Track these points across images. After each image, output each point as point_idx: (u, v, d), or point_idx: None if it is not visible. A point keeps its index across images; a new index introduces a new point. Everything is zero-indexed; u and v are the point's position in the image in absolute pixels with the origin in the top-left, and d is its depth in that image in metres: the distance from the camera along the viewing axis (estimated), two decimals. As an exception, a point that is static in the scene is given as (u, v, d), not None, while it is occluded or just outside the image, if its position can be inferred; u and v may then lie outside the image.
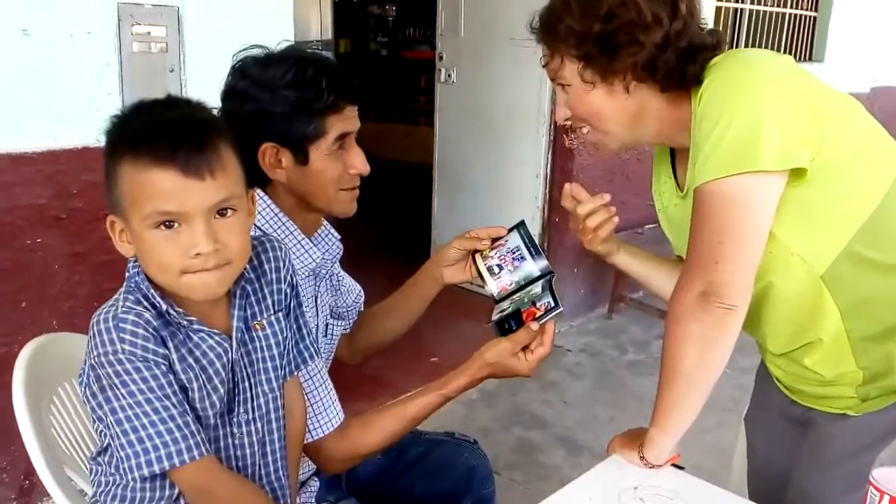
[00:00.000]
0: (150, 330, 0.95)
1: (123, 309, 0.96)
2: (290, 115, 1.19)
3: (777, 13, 5.32)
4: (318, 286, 1.34)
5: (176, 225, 0.92)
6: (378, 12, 8.28)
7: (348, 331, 1.51)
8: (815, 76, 1.15)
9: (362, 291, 1.51)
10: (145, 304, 0.97)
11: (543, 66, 1.26)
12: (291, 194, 1.26)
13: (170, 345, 0.97)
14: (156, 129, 0.93)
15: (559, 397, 3.16)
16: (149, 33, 2.10)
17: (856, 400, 1.21)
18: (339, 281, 1.45)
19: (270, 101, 1.18)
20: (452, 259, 1.43)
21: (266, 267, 1.08)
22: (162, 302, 0.98)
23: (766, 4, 5.18)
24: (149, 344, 0.95)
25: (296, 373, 1.15)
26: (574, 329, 3.87)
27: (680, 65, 1.15)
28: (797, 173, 1.07)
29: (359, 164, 1.26)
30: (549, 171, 3.78)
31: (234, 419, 1.06)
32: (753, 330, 1.26)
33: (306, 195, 1.25)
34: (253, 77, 1.20)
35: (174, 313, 0.98)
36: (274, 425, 1.10)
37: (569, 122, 1.27)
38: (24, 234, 1.99)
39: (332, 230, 1.36)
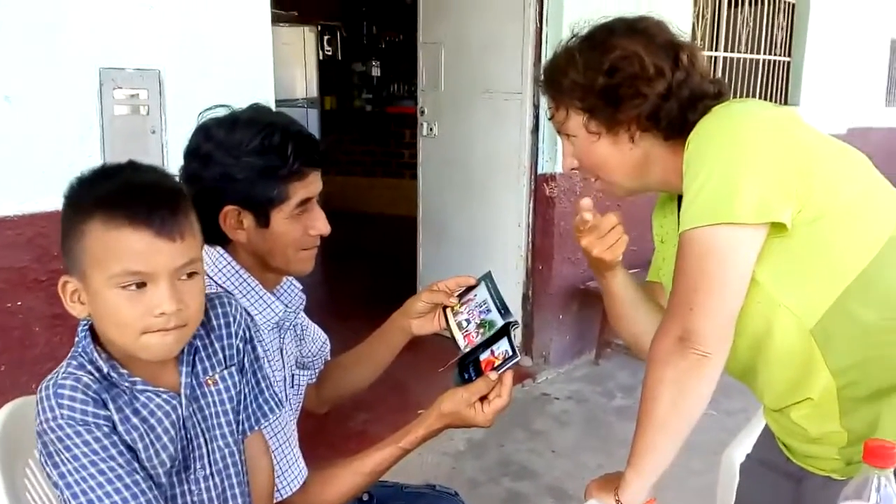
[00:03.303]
0: (90, 393, 0.96)
1: (63, 375, 0.97)
2: (253, 180, 1.19)
3: (751, 59, 5.45)
4: (283, 338, 1.35)
5: (142, 284, 0.94)
6: (362, 70, 8.45)
7: (314, 380, 1.51)
8: (813, 129, 1.15)
9: (328, 341, 1.51)
10: (88, 367, 0.98)
11: (549, 119, 1.29)
12: (251, 254, 1.27)
13: (111, 406, 0.98)
14: (131, 191, 0.95)
15: (547, 446, 3.14)
16: (130, 96, 2.15)
17: (840, 463, 1.20)
18: (303, 330, 1.45)
19: (234, 166, 1.19)
20: (421, 311, 1.44)
21: (215, 323, 1.09)
22: (104, 364, 0.98)
23: (739, 52, 5.31)
24: (88, 407, 0.95)
25: (256, 427, 1.15)
26: (561, 376, 3.86)
27: (682, 114, 1.17)
28: (779, 226, 1.07)
29: (320, 226, 1.27)
30: (530, 219, 3.82)
31: (192, 475, 1.06)
32: (750, 383, 1.26)
33: (266, 255, 1.26)
34: (217, 140, 1.20)
35: (115, 376, 0.99)
36: (234, 480, 1.10)
37: (575, 172, 1.30)
38: (4, 297, 2.00)
39: (295, 281, 1.37)
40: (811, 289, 1.11)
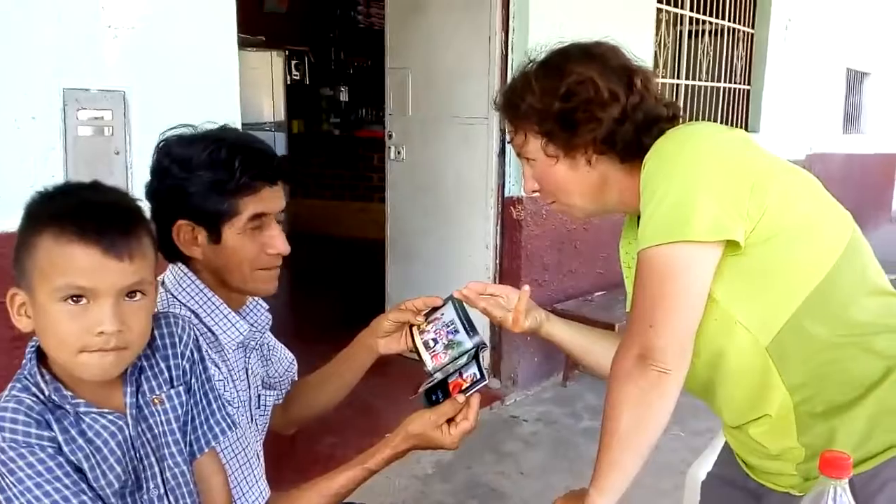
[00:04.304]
0: (33, 415, 0.95)
1: (6, 398, 0.96)
2: (204, 194, 1.20)
3: (712, 87, 5.57)
4: (249, 358, 1.34)
5: (84, 301, 0.93)
6: (330, 94, 8.47)
7: (281, 401, 1.50)
8: (764, 150, 1.18)
9: (294, 361, 1.50)
10: (33, 389, 0.97)
11: (509, 142, 1.31)
12: (210, 272, 1.26)
13: (55, 427, 0.97)
14: (86, 209, 0.95)
15: (516, 468, 3.13)
16: (95, 118, 2.13)
17: (798, 479, 1.21)
18: (269, 350, 1.45)
19: (187, 180, 1.20)
20: (387, 330, 1.44)
21: (160, 342, 1.09)
22: (47, 387, 0.97)
23: (700, 80, 5.43)
24: (31, 429, 0.94)
25: (206, 448, 1.13)
26: (529, 398, 3.86)
27: (637, 137, 1.20)
28: (733, 244, 1.09)
29: (277, 244, 1.26)
30: (498, 241, 3.85)
31: (146, 495, 1.05)
32: (709, 401, 1.28)
33: (223, 274, 1.25)
34: (174, 156, 1.22)
35: (56, 398, 0.98)
36: (189, 500, 1.09)
37: (537, 194, 1.32)
38: (-38, 320, 1.96)
39: (261, 301, 1.37)
40: (766, 306, 1.13)
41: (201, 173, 1.20)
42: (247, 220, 1.22)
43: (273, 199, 1.24)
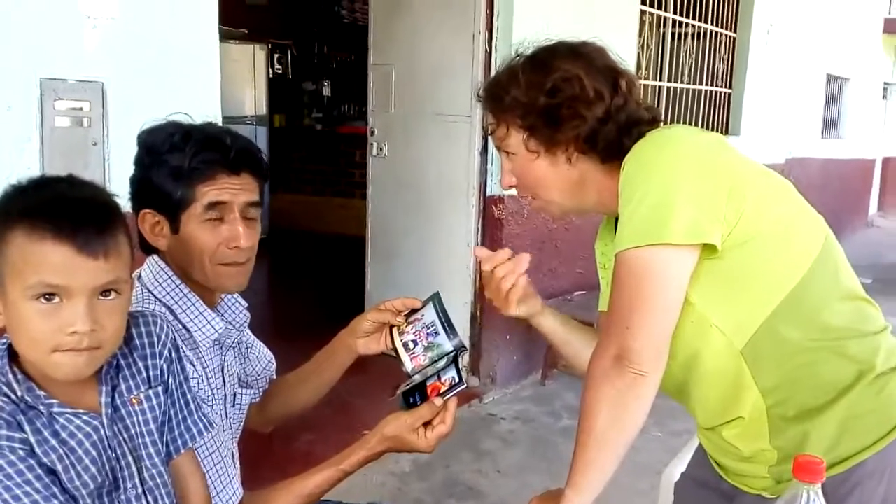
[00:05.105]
0: (3, 416, 0.93)
1: None
2: (164, 181, 1.19)
3: (694, 90, 5.61)
4: (225, 356, 1.32)
5: (57, 299, 0.91)
6: (313, 89, 8.44)
7: (258, 399, 1.48)
8: (739, 154, 1.19)
9: (273, 359, 1.49)
10: (4, 389, 0.95)
11: (490, 134, 1.30)
12: (176, 265, 1.24)
13: (27, 428, 0.95)
14: (60, 205, 0.93)
15: (493, 466, 3.14)
16: (72, 108, 2.10)
17: (770, 481, 1.22)
18: (247, 348, 1.43)
19: (151, 168, 1.20)
20: (367, 330, 1.43)
21: (137, 342, 1.07)
22: (19, 387, 0.96)
23: (682, 82, 5.47)
24: (1, 431, 0.93)
25: (183, 449, 1.12)
26: (508, 396, 3.87)
27: (619, 137, 1.20)
28: (710, 247, 1.10)
29: (236, 237, 1.20)
30: (479, 239, 3.84)
31: (123, 495, 1.04)
32: (684, 402, 1.28)
33: (186, 267, 1.23)
34: (144, 143, 1.23)
35: (29, 399, 0.96)
36: (167, 500, 1.08)
37: (514, 190, 1.31)
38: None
39: (239, 298, 1.35)
40: (741, 310, 1.14)
41: (162, 159, 1.19)
42: (203, 209, 1.19)
43: (234, 189, 1.20)
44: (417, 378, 1.32)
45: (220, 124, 1.34)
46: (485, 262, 1.34)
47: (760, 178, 1.17)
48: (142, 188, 1.22)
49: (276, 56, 8.08)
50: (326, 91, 8.42)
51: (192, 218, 1.19)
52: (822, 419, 1.15)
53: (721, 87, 5.97)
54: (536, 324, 1.42)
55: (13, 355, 0.98)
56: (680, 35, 5.36)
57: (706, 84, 5.74)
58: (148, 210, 1.21)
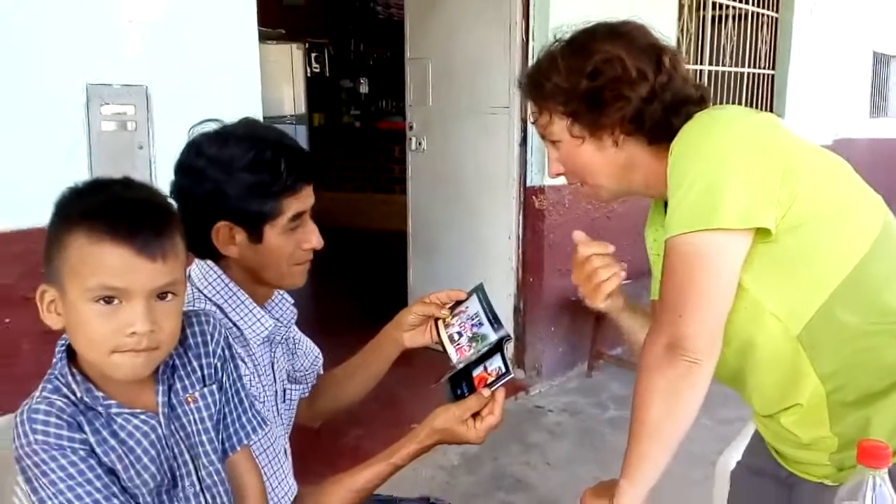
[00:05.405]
0: (64, 417, 0.95)
1: (37, 400, 0.96)
2: (246, 196, 1.18)
3: (736, 73, 5.50)
4: (274, 352, 1.34)
5: (116, 301, 0.93)
6: (350, 86, 8.48)
7: (307, 394, 1.50)
8: (792, 134, 1.16)
9: (320, 355, 1.50)
10: (64, 390, 0.97)
11: (532, 123, 1.28)
12: (243, 269, 1.26)
13: (87, 429, 0.96)
14: (118, 206, 0.94)
15: (542, 459, 3.13)
16: (117, 112, 2.14)
17: (831, 468, 1.20)
18: (295, 344, 1.44)
19: (227, 182, 1.18)
20: (412, 323, 1.43)
21: (192, 341, 1.08)
22: (78, 388, 0.97)
23: (724, 65, 5.36)
24: (62, 431, 0.94)
25: (238, 447, 1.13)
26: (554, 388, 3.85)
27: (665, 117, 1.17)
28: (763, 231, 1.07)
29: (314, 240, 1.27)
30: (520, 231, 3.83)
31: (181, 493, 1.05)
32: (739, 390, 1.26)
33: (258, 270, 1.25)
34: (209, 156, 1.19)
35: (88, 399, 0.97)
36: (224, 498, 1.09)
37: (561, 178, 1.29)
38: (-8, 314, 1.98)
39: (286, 295, 1.37)
40: (797, 295, 1.11)
41: (244, 175, 1.18)
42: (288, 220, 1.22)
43: (309, 196, 1.25)
44: (461, 366, 1.32)
45: (268, 125, 1.34)
46: (581, 246, 1.29)
47: (815, 159, 1.14)
48: (212, 201, 1.19)
49: (313, 55, 8.13)
50: (364, 88, 8.44)
51: (277, 228, 1.22)
52: (883, 403, 1.13)
53: (764, 69, 5.84)
54: (616, 318, 1.38)
55: (71, 355, 0.99)
56: (720, 17, 5.25)
57: (749, 66, 5.62)
58: (224, 222, 1.21)
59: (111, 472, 0.98)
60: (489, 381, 1.28)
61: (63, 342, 1.00)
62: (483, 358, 1.31)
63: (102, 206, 0.94)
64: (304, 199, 1.24)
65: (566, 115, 1.21)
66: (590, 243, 1.29)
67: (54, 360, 1.00)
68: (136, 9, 2.16)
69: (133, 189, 0.99)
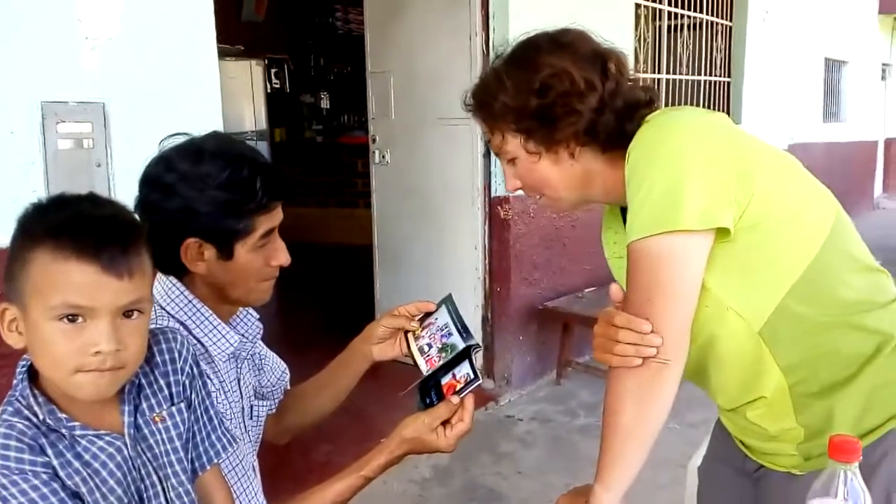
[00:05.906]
0: (25, 440, 0.92)
1: None
2: (219, 213, 1.17)
3: (693, 81, 5.60)
4: (240, 368, 1.32)
5: (80, 320, 0.90)
6: (311, 101, 8.46)
7: (274, 410, 1.47)
8: (746, 133, 1.17)
9: (287, 370, 1.48)
10: (25, 412, 0.94)
11: (486, 142, 1.28)
12: (209, 285, 1.24)
13: (49, 452, 0.93)
14: (83, 223, 0.92)
15: (513, 468, 3.12)
16: (74, 131, 2.10)
17: (798, 458, 1.21)
18: (261, 360, 1.42)
19: (198, 199, 1.16)
20: (382, 336, 1.42)
21: (158, 359, 1.06)
22: (40, 410, 0.94)
23: (681, 74, 5.45)
24: (24, 455, 0.91)
25: (208, 466, 1.11)
26: (524, 397, 3.85)
27: (619, 125, 1.16)
28: (723, 231, 1.08)
29: (282, 257, 1.26)
30: (486, 241, 3.84)
31: None
32: (703, 386, 1.27)
33: (225, 287, 1.24)
34: (182, 172, 1.17)
35: (51, 421, 0.95)
36: None
37: (520, 192, 1.28)
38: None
39: (251, 310, 1.35)
40: (756, 291, 1.13)
41: (216, 193, 1.16)
42: (259, 238, 1.21)
43: (279, 213, 1.24)
44: (431, 378, 1.31)
45: (248, 144, 1.32)
46: (618, 318, 1.12)
47: (768, 158, 1.16)
48: (181, 217, 1.17)
49: (273, 71, 8.10)
50: (325, 103, 8.44)
51: (247, 245, 1.20)
52: (846, 393, 1.14)
53: (720, 76, 5.96)
54: None
55: (33, 376, 0.97)
56: (676, 27, 5.35)
57: (705, 74, 5.73)
58: (194, 239, 1.18)
59: (76, 495, 0.94)
60: (458, 388, 1.28)
61: (24, 363, 0.97)
62: (451, 365, 1.31)
63: (67, 223, 0.91)
64: (275, 216, 1.23)
65: (519, 132, 1.19)
66: (626, 319, 1.11)
67: (14, 382, 0.97)
68: (93, 25, 2.12)
69: (99, 205, 0.97)
